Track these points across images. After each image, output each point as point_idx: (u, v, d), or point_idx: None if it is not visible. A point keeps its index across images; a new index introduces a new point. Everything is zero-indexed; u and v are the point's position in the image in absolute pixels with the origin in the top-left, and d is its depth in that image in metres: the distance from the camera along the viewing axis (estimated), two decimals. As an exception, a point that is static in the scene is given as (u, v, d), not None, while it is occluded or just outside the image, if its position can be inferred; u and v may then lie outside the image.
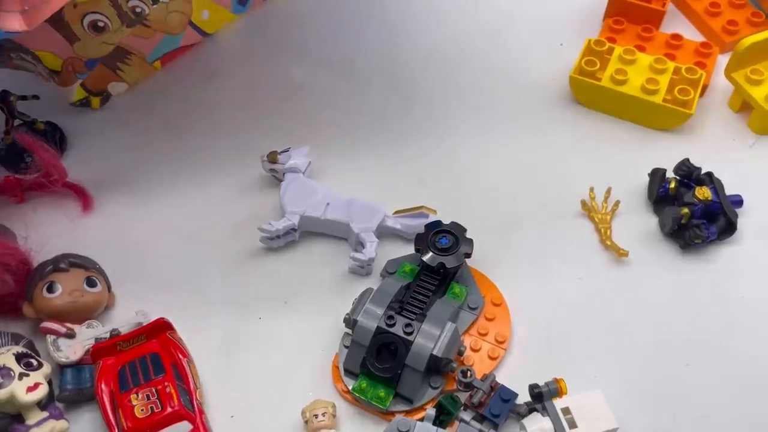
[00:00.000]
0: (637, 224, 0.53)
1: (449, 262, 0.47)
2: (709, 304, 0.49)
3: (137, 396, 0.42)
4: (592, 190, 0.54)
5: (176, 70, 0.63)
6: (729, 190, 0.52)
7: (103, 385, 0.43)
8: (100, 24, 0.54)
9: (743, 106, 0.58)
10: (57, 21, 0.52)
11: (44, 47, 0.54)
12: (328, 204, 0.52)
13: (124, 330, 0.46)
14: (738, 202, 0.52)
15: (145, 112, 0.61)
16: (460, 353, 0.45)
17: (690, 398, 0.45)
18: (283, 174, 0.53)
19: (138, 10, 0.55)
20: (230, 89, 0.62)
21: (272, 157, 0.53)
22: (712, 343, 0.47)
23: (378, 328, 0.44)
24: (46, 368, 0.44)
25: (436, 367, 0.44)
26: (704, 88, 0.59)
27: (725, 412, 0.44)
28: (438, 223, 0.49)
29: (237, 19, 0.66)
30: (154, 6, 0.56)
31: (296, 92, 0.62)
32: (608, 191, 0.53)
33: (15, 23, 0.43)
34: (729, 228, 0.51)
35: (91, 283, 0.47)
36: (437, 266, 0.47)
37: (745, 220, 0.52)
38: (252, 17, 0.67)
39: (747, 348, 0.46)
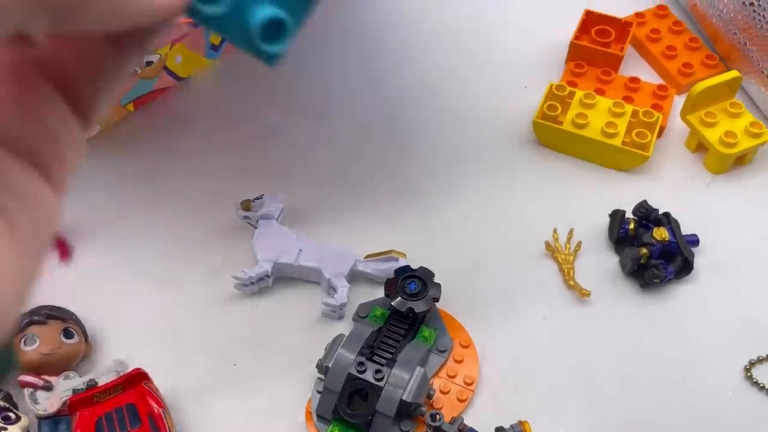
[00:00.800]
0: (599, 264, 0.55)
1: (418, 307, 0.49)
2: (668, 342, 0.51)
3: (113, 448, 0.43)
4: (555, 231, 0.56)
5: (149, 114, 0.65)
6: (685, 230, 0.55)
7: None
8: None
9: (699, 146, 0.61)
10: None
11: None
12: (300, 250, 0.53)
13: (101, 380, 0.47)
14: (694, 241, 0.55)
15: (120, 158, 0.62)
16: (429, 396, 0.47)
17: (650, 435, 0.46)
18: (257, 221, 0.55)
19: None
20: (204, 135, 0.64)
21: (245, 205, 0.55)
22: (672, 380, 0.49)
23: (349, 374, 0.45)
24: (24, 421, 0.45)
25: (406, 412, 0.45)
26: (662, 129, 0.61)
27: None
28: (407, 268, 0.51)
29: (210, 64, 0.68)
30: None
31: (270, 137, 0.64)
32: (571, 232, 0.56)
33: None
34: (686, 267, 0.53)
35: (68, 334, 0.48)
36: (406, 311, 0.49)
37: (701, 259, 0.54)
38: (225, 63, 0.69)
39: (705, 384, 0.48)
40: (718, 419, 0.47)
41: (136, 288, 0.54)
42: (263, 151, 0.63)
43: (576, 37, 0.66)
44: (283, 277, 0.54)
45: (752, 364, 0.49)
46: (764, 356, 0.49)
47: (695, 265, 0.53)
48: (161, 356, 0.50)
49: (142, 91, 0.63)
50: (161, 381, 0.48)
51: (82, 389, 0.46)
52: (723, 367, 0.49)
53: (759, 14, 0.61)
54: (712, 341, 0.51)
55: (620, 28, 0.66)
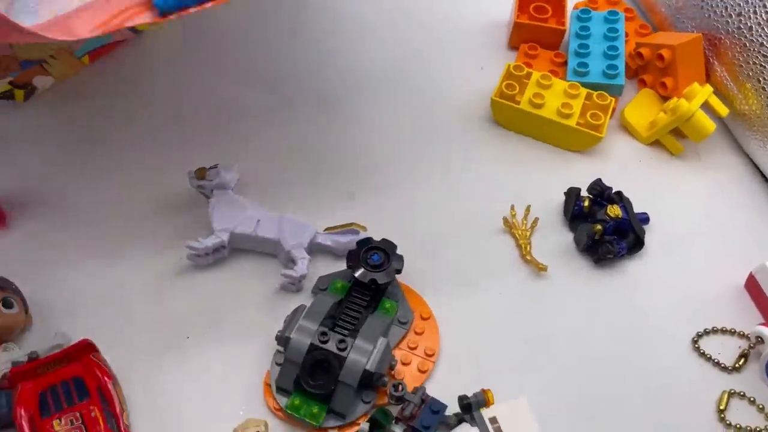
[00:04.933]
0: (555, 240, 0.56)
1: (381, 278, 0.48)
2: (620, 315, 0.52)
3: (60, 421, 0.41)
4: (512, 207, 0.56)
5: (102, 72, 0.62)
6: (637, 209, 0.56)
7: (22, 411, 0.41)
8: None
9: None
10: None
11: None
12: (258, 221, 0.51)
13: (42, 353, 0.44)
14: (645, 219, 0.56)
15: (64, 119, 0.59)
16: (392, 367, 0.46)
17: (606, 406, 0.47)
18: (211, 190, 0.53)
19: None
20: (155, 98, 0.61)
21: (201, 174, 0.53)
22: (624, 353, 0.50)
23: (311, 344, 0.44)
24: (-41, 395, 0.42)
25: (369, 382, 0.45)
26: (614, 110, 0.63)
27: (638, 419, 0.47)
28: (369, 240, 0.50)
29: (168, 21, 0.65)
30: None
31: (223, 106, 0.62)
32: (528, 209, 0.56)
33: None
34: (638, 243, 0.55)
35: (6, 303, 0.45)
36: (369, 282, 0.48)
37: (651, 236, 0.56)
38: (183, 22, 0.66)
39: (653, 357, 0.50)
40: (668, 389, 0.48)
41: (80, 258, 0.51)
42: (216, 120, 0.61)
43: (518, 17, 0.67)
44: (237, 249, 0.52)
45: (699, 336, 0.51)
46: (710, 329, 0.51)
47: (645, 242, 0.55)
48: (108, 329, 0.48)
49: (99, 43, 0.60)
50: (109, 354, 0.45)
51: (22, 362, 0.43)
52: (672, 338, 0.51)
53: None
54: (661, 314, 0.52)
55: (554, 3, 0.68)
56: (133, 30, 0.62)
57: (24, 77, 0.57)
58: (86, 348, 0.44)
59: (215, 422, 0.44)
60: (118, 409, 0.42)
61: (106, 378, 0.43)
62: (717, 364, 0.50)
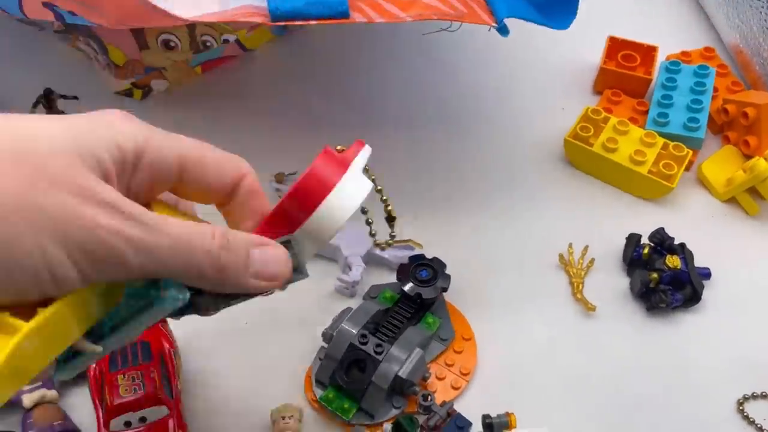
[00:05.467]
0: (609, 283, 0.56)
1: (426, 293, 0.51)
2: (665, 366, 0.52)
3: (124, 377, 0.46)
4: (570, 245, 0.57)
5: (211, 81, 0.69)
6: (699, 263, 0.56)
7: (94, 363, 0.47)
8: (171, 44, 0.61)
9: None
10: (137, 29, 0.58)
11: (116, 44, 0.61)
12: (324, 227, 0.56)
13: (121, 317, 0.50)
14: (706, 274, 0.56)
15: (173, 119, 0.65)
16: (425, 378, 0.48)
17: (633, 450, 0.47)
18: (288, 194, 0.58)
19: (208, 43, 0.63)
20: (255, 109, 0.68)
21: (279, 178, 0.58)
22: (661, 402, 0.50)
23: (351, 344, 0.47)
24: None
25: (400, 388, 0.47)
26: (690, 164, 0.62)
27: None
28: (421, 256, 0.53)
29: (275, 39, 0.72)
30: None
31: (314, 121, 0.67)
32: (585, 249, 0.57)
33: (102, 19, 0.46)
34: (694, 297, 0.54)
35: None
36: (415, 296, 0.51)
37: (710, 291, 0.55)
38: (289, 40, 0.72)
39: (696, 412, 0.49)
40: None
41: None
42: (305, 133, 0.66)
43: (604, 62, 0.68)
44: (304, 250, 0.57)
45: (746, 398, 0.50)
46: (758, 393, 0.50)
47: (703, 297, 0.54)
48: (180, 306, 0.53)
49: (211, 57, 0.67)
50: (177, 327, 0.51)
51: (103, 321, 0.50)
52: (717, 397, 0.50)
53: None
54: (709, 372, 0.51)
55: (644, 52, 0.68)
56: (243, 47, 0.69)
57: (145, 80, 0.65)
58: (156, 317, 0.49)
59: (256, 403, 0.48)
60: (174, 375, 0.47)
61: (168, 346, 0.48)
62: (761, 429, 0.48)
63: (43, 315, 0.25)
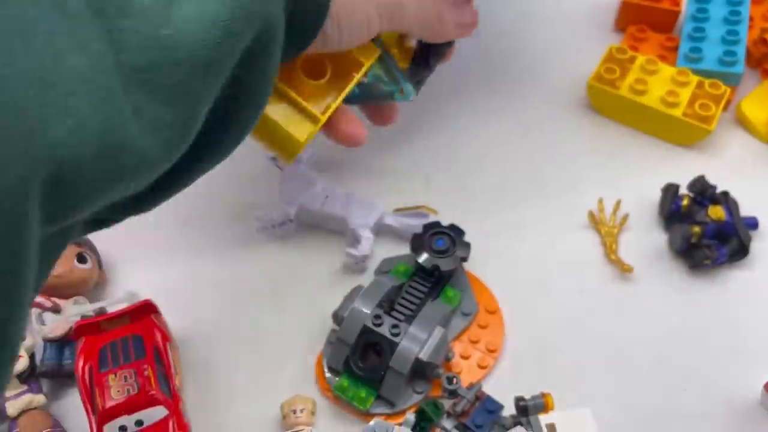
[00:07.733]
0: (646, 240, 0.51)
1: (444, 264, 0.46)
2: (713, 328, 0.47)
3: (115, 377, 0.42)
4: (600, 201, 0.52)
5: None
6: (744, 212, 0.50)
7: (82, 363, 0.42)
8: None
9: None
10: None
11: None
12: (327, 197, 0.51)
13: (110, 310, 0.46)
14: (753, 224, 0.50)
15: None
16: (448, 359, 0.44)
17: (683, 424, 0.43)
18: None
19: None
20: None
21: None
22: (712, 369, 0.45)
23: (364, 326, 0.43)
24: (29, 341, 0.44)
25: (422, 372, 0.43)
26: (728, 103, 0.56)
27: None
28: (436, 223, 0.48)
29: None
30: None
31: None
32: (617, 204, 0.52)
33: None
34: (741, 250, 0.49)
35: (81, 259, 0.47)
36: (431, 268, 0.46)
37: (759, 244, 0.50)
38: None
39: (747, 377, 0.44)
40: (756, 418, 0.43)
41: (156, 221, 0.52)
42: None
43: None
44: (307, 224, 0.52)
45: (806, 361, 0.45)
46: (821, 354, 0.45)
47: (752, 250, 0.49)
48: (176, 293, 0.49)
49: None
50: (173, 317, 0.46)
51: (90, 316, 0.45)
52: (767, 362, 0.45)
53: None
54: (760, 333, 0.46)
55: None
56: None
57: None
58: (147, 308, 0.44)
59: (265, 395, 0.44)
60: (171, 371, 0.43)
61: (163, 339, 0.44)
62: (825, 395, 0.43)
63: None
